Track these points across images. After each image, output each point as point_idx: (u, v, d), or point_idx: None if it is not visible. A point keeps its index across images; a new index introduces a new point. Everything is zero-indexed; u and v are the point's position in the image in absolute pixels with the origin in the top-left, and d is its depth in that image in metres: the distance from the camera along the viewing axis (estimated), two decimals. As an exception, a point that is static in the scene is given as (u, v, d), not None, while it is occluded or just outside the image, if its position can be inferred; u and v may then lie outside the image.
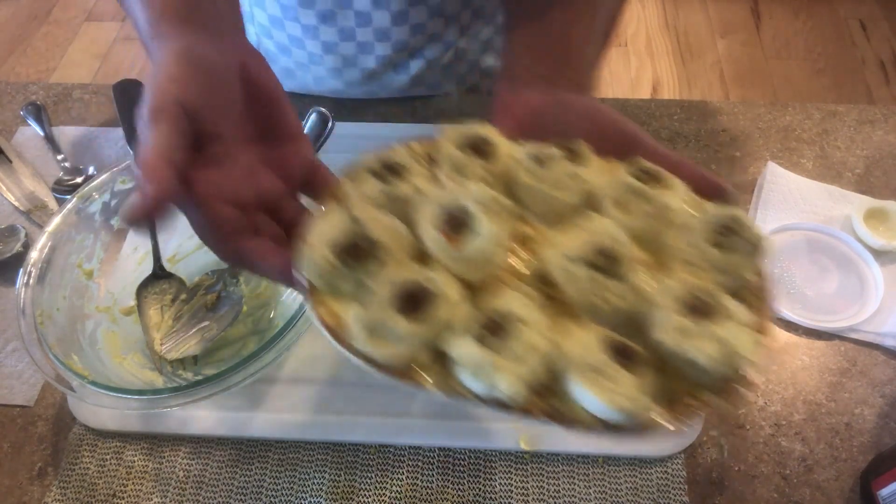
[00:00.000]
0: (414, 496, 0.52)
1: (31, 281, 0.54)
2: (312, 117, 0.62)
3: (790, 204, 0.68)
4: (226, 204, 0.38)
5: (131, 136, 0.62)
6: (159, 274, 0.60)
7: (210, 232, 0.39)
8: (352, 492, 0.53)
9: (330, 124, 0.66)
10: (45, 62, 2.21)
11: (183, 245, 0.64)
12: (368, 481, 0.53)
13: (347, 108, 0.78)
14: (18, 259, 0.65)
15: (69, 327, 0.55)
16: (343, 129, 0.74)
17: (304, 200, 0.44)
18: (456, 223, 0.36)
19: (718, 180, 0.40)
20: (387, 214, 0.37)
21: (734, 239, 0.36)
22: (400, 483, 0.53)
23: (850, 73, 2.09)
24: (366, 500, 0.52)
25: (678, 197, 0.39)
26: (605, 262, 0.35)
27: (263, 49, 0.77)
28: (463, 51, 0.77)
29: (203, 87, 0.38)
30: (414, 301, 0.33)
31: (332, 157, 0.73)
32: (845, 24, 2.24)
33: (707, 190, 0.40)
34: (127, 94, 0.65)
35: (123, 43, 2.26)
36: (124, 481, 0.54)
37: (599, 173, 0.40)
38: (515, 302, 0.34)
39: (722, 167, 0.72)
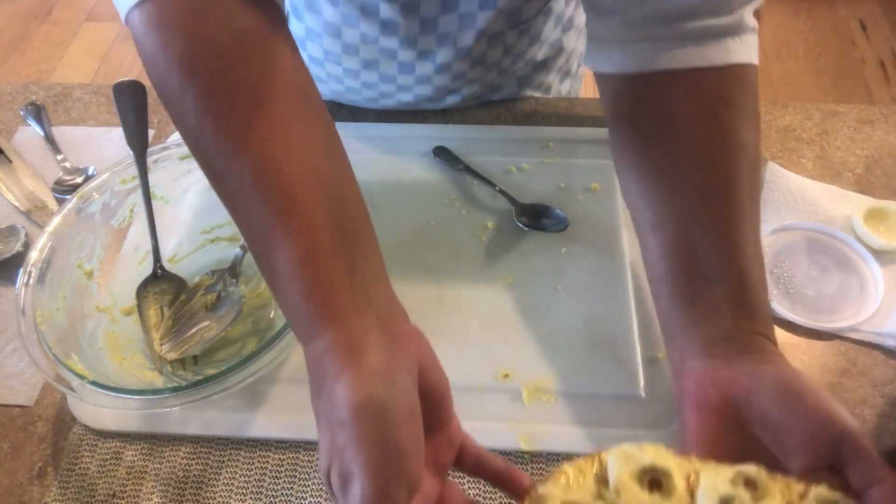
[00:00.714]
0: (414, 496, 0.52)
1: (31, 281, 0.54)
2: None
3: (790, 204, 0.68)
4: None
5: (131, 137, 0.62)
6: (159, 274, 0.60)
7: None
8: (352, 492, 0.53)
9: None
10: (45, 62, 2.22)
11: (183, 245, 0.64)
12: (368, 481, 0.53)
13: (347, 108, 0.78)
14: (18, 259, 0.65)
15: (69, 327, 0.55)
16: (343, 130, 0.74)
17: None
18: None
19: None
20: None
21: None
22: (400, 483, 0.53)
23: (850, 73, 2.09)
24: (366, 500, 0.52)
25: None
26: None
27: None
28: (499, 85, 0.77)
29: (405, 425, 0.34)
30: None
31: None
32: (845, 24, 2.24)
33: None
34: (127, 94, 0.65)
35: (123, 43, 2.26)
36: (124, 481, 0.54)
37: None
38: None
39: (722, 167, 0.72)
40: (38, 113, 0.78)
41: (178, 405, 0.50)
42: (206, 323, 0.58)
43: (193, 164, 0.62)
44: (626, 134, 0.52)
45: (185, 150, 0.62)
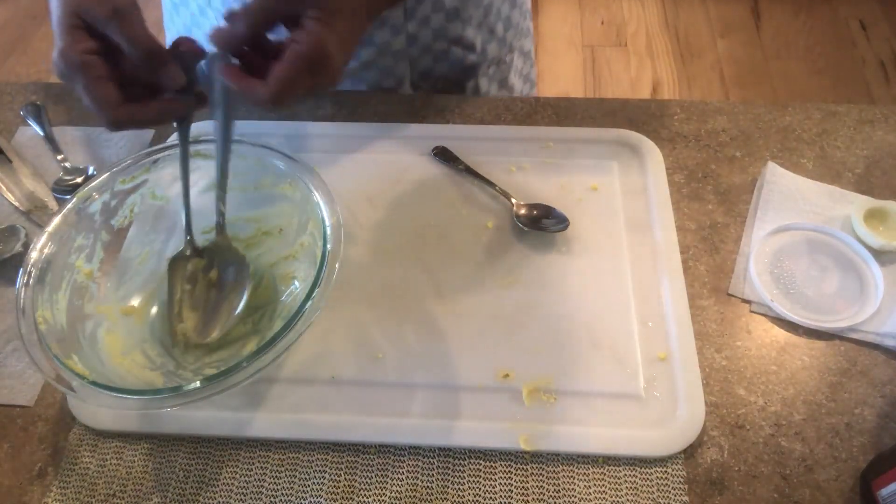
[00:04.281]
0: (414, 496, 0.52)
1: (31, 281, 0.54)
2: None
3: (790, 204, 0.68)
4: None
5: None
6: (189, 253, 0.60)
7: None
8: (352, 492, 0.53)
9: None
10: (46, 62, 2.21)
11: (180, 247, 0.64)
12: (368, 481, 0.53)
13: (347, 107, 0.78)
14: (18, 259, 0.65)
15: (69, 327, 0.55)
16: (343, 130, 0.75)
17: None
18: None
19: None
20: None
21: None
22: (400, 483, 0.53)
23: (850, 73, 2.10)
24: (366, 500, 0.52)
25: None
26: None
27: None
28: (414, 36, 0.77)
29: None
30: None
31: (331, 156, 0.73)
32: (845, 24, 2.25)
33: None
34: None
35: (123, 43, 2.26)
36: (124, 481, 0.54)
37: None
38: None
39: (722, 167, 0.72)
40: (38, 113, 0.78)
41: (178, 405, 0.50)
42: (224, 300, 0.58)
43: (194, 164, 0.62)
44: None
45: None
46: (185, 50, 0.53)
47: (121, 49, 0.51)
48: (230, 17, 0.52)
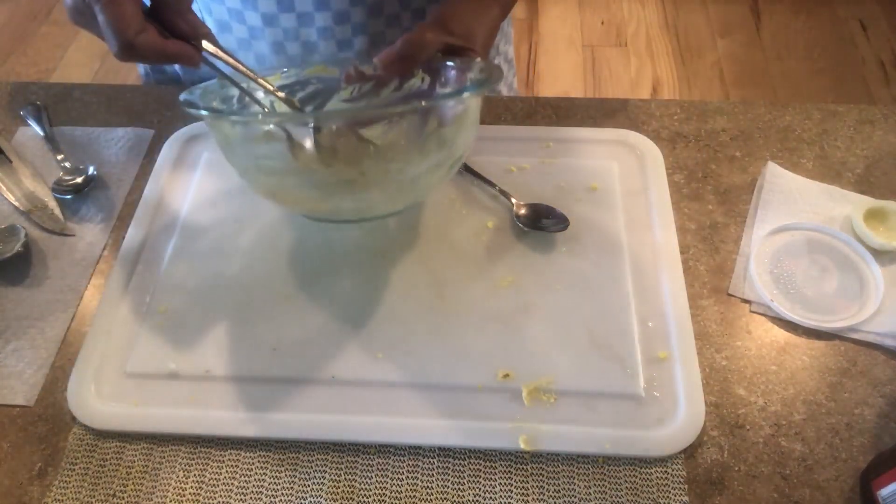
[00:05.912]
0: (414, 496, 0.52)
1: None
2: None
3: (790, 204, 0.68)
4: None
5: None
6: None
7: None
8: (352, 492, 0.53)
9: None
10: (45, 62, 2.21)
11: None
12: (369, 481, 0.53)
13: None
14: (18, 259, 0.65)
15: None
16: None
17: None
18: None
19: None
20: None
21: None
22: (400, 483, 0.53)
23: (850, 73, 2.10)
24: (366, 500, 0.52)
25: None
26: None
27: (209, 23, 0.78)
28: (381, 34, 0.76)
29: None
30: None
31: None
32: (845, 24, 2.24)
33: None
34: None
35: (123, 43, 2.25)
36: (124, 481, 0.54)
37: None
38: None
39: (722, 167, 0.72)
40: (38, 113, 0.78)
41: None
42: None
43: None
44: None
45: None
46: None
47: None
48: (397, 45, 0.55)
